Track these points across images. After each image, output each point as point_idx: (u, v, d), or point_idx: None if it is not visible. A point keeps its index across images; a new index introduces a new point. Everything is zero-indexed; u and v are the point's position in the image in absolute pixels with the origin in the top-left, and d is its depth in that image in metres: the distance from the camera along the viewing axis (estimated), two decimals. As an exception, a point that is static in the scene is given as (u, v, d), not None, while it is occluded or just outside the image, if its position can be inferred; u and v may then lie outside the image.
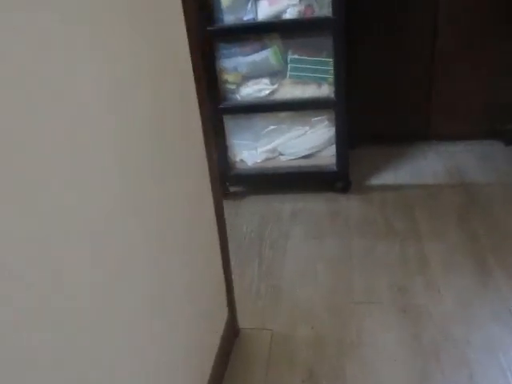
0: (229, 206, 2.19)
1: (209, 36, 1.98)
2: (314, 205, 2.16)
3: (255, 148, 2.23)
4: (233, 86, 2.11)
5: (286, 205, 2.18)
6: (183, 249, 1.11)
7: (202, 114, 1.18)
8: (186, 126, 1.14)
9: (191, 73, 1.14)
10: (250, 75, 2.08)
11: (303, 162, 2.22)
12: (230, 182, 2.29)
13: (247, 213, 2.15)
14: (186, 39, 1.10)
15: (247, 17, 1.96)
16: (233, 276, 1.53)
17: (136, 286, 0.84)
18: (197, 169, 1.22)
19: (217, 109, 2.10)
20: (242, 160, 2.26)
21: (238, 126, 2.19)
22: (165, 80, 0.99)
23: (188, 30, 1.10)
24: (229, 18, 1.97)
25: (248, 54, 2.04)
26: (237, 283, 1.59)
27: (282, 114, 2.14)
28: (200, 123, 1.21)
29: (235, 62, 2.06)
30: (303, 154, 2.21)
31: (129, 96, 0.82)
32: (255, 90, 2.09)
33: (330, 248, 1.87)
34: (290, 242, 1.92)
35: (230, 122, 2.17)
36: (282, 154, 2.24)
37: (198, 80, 1.15)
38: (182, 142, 1.10)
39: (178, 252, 1.07)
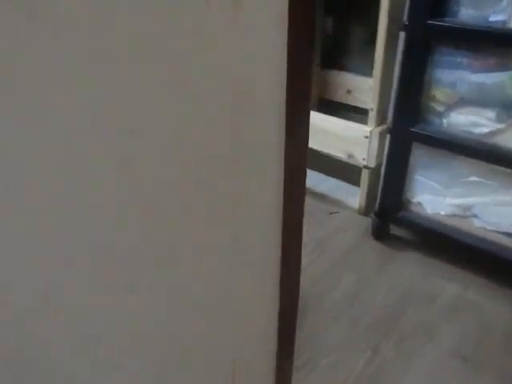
0: (381, 254, 1.69)
1: (427, 32, 1.40)
2: (492, 304, 1.50)
3: (443, 195, 1.62)
4: (440, 108, 1.51)
5: (450, 285, 1.56)
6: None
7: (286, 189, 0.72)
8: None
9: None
10: (469, 99, 1.45)
11: (503, 240, 1.53)
12: (393, 223, 1.75)
13: (395, 274, 1.61)
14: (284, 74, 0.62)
15: (495, 17, 1.31)
16: (322, 366, 1.09)
17: None
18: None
19: (407, 131, 1.54)
20: (419, 203, 1.68)
21: (429, 159, 1.60)
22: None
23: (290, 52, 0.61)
24: (466, 13, 1.35)
25: (477, 71, 1.40)
26: (323, 372, 1.15)
27: (497, 168, 1.47)
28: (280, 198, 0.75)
29: (455, 77, 1.44)
30: (506, 230, 1.52)
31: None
32: (470, 121, 1.46)
33: (479, 389, 1.25)
34: (427, 349, 1.35)
35: (419, 151, 1.60)
36: (476, 217, 1.59)
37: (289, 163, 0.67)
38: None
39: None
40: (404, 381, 1.27)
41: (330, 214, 1.91)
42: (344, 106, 2.27)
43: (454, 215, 1.62)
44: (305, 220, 1.89)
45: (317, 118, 1.83)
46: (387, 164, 1.64)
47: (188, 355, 0.71)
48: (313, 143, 1.98)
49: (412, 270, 1.63)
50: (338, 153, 1.81)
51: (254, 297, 0.81)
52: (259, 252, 0.76)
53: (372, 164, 1.75)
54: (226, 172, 0.57)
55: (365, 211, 1.88)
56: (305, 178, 0.73)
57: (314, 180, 2.11)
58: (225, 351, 0.79)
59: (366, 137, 1.70)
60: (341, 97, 2.27)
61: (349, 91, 2.23)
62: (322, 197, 2.00)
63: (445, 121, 1.51)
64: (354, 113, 2.20)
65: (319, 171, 2.16)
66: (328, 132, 1.80)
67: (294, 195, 0.73)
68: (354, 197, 1.93)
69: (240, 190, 0.62)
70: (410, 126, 1.54)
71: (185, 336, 0.67)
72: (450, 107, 1.49)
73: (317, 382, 1.26)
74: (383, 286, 1.56)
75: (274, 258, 0.81)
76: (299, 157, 0.67)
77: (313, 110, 2.09)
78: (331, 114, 1.90)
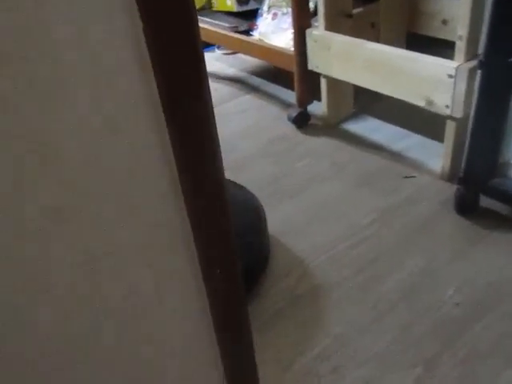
0: (463, 234, 1.29)
1: None
2: None
3: (558, 157, 1.14)
4: (559, 27, 1.02)
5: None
6: None
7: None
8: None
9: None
10: None
11: None
12: (484, 192, 1.31)
13: (479, 262, 1.19)
14: None
15: None
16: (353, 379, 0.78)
17: None
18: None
19: (506, 64, 1.08)
20: (523, 167, 1.22)
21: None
22: None
23: None
24: None
25: None
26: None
27: None
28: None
29: None
30: None
31: None
32: None
33: None
34: (505, 376, 0.95)
35: (524, 95, 1.13)
36: None
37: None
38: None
39: None
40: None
41: (405, 178, 1.50)
42: (440, 42, 1.79)
43: None
44: (371, 185, 1.49)
45: (388, 55, 1.42)
46: (477, 112, 1.19)
47: None
48: (385, 88, 1.57)
49: (505, 257, 1.20)
50: (415, 99, 1.39)
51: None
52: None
53: (459, 113, 1.31)
54: None
55: (449, 176, 1.45)
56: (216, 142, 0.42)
57: (389, 136, 1.70)
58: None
59: (451, 76, 1.26)
60: (435, 29, 1.80)
61: (445, 21, 1.74)
62: (397, 157, 1.60)
63: None
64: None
65: (396, 124, 1.74)
66: (403, 72, 1.38)
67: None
68: (437, 157, 1.50)
69: None
70: (509, 55, 1.07)
71: None
72: None
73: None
74: (459, 277, 1.16)
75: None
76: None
77: (401, 47, 1.66)
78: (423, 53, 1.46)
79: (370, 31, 1.77)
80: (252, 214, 1.23)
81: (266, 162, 1.66)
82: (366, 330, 1.07)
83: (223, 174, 0.48)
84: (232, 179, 1.58)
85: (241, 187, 1.34)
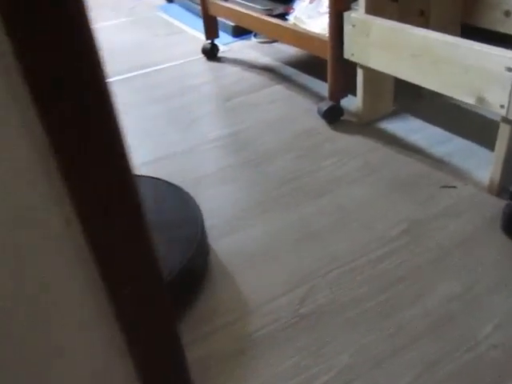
0: (510, 259, 1.08)
1: None
2: None
3: None
4: None
5: None
6: None
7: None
8: None
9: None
10: None
11: None
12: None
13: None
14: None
15: None
16: None
17: None
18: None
19: None
20: None
21: None
22: None
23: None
24: None
25: None
26: None
27: None
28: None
29: None
30: None
31: None
32: None
33: None
34: None
35: None
36: None
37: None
38: None
39: None
40: None
41: (442, 187, 1.30)
42: (500, 36, 1.57)
43: None
44: (404, 192, 1.29)
45: (436, 42, 1.22)
46: (539, 114, 0.99)
47: None
48: (430, 81, 1.34)
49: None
50: (463, 95, 1.19)
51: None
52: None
53: (515, 114, 1.10)
54: None
55: (498, 189, 1.24)
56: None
57: (431, 138, 1.50)
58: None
59: (510, 69, 1.06)
60: (495, 22, 1.58)
61: (508, 13, 1.52)
62: (437, 163, 1.40)
63: None
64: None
65: (440, 126, 1.54)
66: (451, 62, 1.19)
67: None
68: (485, 166, 1.30)
69: None
70: None
71: None
72: None
73: None
74: (500, 312, 0.96)
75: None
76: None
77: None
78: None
79: (418, 20, 1.57)
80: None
81: (289, 157, 1.49)
82: (380, 364, 0.89)
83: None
84: (252, 172, 1.43)
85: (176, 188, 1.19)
